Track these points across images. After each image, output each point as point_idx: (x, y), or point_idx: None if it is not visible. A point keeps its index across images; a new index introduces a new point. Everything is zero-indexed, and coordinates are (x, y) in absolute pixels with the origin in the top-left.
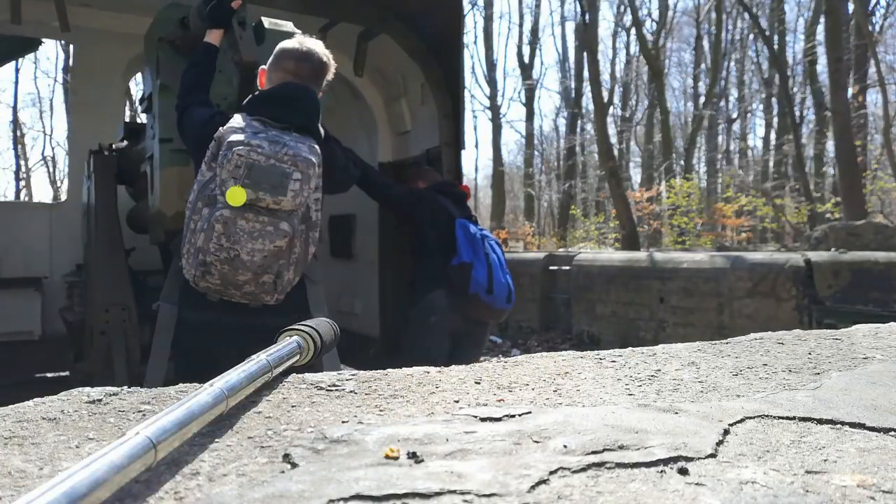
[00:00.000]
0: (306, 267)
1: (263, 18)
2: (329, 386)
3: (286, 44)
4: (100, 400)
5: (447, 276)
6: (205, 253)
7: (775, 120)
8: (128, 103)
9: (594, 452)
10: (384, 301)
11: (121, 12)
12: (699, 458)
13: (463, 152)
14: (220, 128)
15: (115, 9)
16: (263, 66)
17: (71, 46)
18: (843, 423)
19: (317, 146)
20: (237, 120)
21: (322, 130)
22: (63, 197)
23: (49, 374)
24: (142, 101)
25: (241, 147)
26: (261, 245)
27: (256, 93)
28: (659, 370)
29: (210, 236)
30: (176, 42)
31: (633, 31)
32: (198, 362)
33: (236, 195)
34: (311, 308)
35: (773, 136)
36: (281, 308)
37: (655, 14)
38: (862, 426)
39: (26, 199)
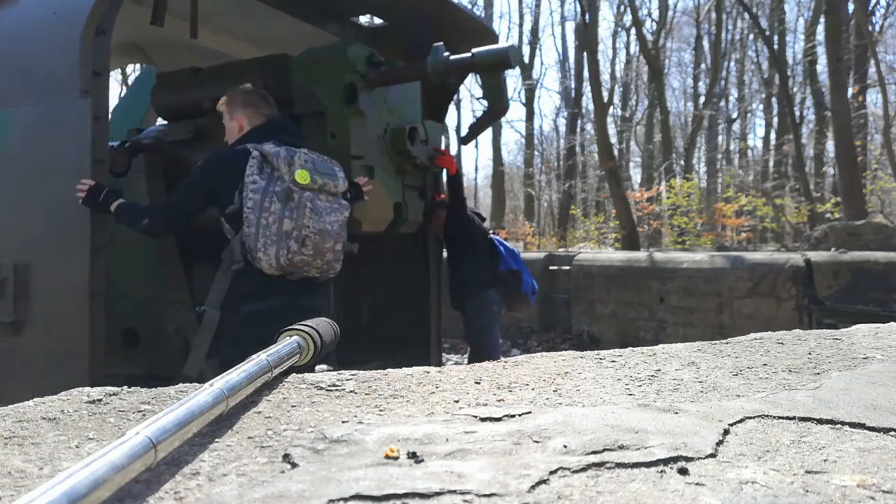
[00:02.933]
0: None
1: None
2: (329, 386)
3: (250, 91)
4: (100, 400)
5: (495, 279)
6: (300, 229)
7: (775, 120)
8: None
9: (594, 452)
10: (339, 300)
11: None
12: (699, 458)
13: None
14: (253, 148)
15: None
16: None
17: None
18: (843, 423)
19: None
20: (261, 146)
21: None
22: None
23: None
24: (297, 117)
25: (299, 151)
26: (335, 217)
27: (256, 126)
28: (659, 370)
29: (302, 214)
30: (367, 76)
31: (633, 31)
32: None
33: (302, 175)
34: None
35: (773, 136)
36: (320, 289)
37: (655, 14)
38: (862, 426)
39: None
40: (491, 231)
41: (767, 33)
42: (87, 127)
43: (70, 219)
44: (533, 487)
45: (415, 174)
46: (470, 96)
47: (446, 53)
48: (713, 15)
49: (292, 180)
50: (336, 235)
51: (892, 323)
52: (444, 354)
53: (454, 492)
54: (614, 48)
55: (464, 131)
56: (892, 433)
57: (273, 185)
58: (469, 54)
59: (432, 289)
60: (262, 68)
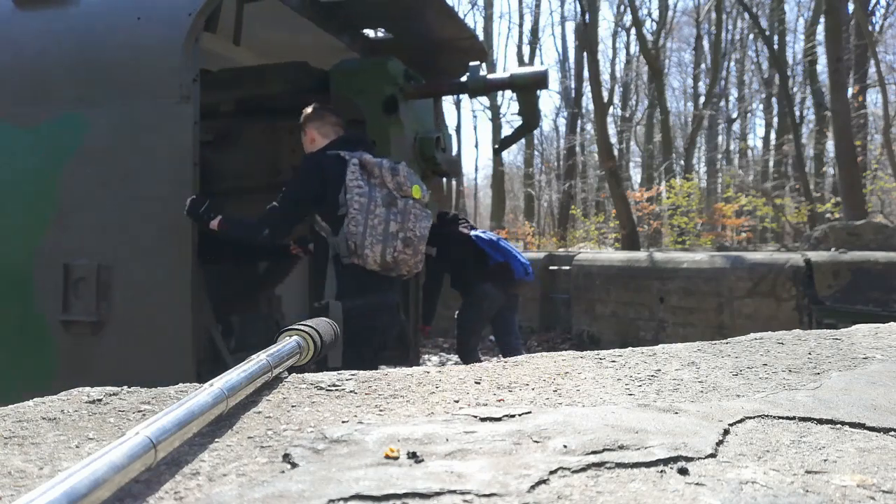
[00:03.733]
0: None
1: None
2: (329, 386)
3: (320, 108)
4: (100, 400)
5: (488, 274)
6: (405, 231)
7: (775, 120)
8: None
9: (594, 452)
10: (310, 298)
11: None
12: (699, 458)
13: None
14: (349, 157)
15: None
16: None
17: None
18: (843, 423)
19: None
20: (360, 155)
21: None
22: None
23: None
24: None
25: (401, 164)
26: (426, 223)
27: (342, 137)
28: (659, 370)
29: (407, 219)
30: (405, 89)
31: (633, 31)
32: (357, 342)
33: (417, 190)
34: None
35: (773, 136)
36: (397, 286)
37: (655, 14)
38: (862, 426)
39: None
40: (473, 228)
41: (767, 33)
42: (188, 131)
43: (170, 221)
44: (533, 487)
45: (432, 179)
46: (469, 100)
47: (483, 72)
48: (713, 15)
49: (396, 188)
50: (425, 239)
51: (892, 323)
52: (443, 354)
53: (454, 492)
54: (614, 48)
55: (464, 131)
56: (892, 433)
57: (375, 192)
58: (507, 74)
59: (411, 289)
60: (283, 74)
